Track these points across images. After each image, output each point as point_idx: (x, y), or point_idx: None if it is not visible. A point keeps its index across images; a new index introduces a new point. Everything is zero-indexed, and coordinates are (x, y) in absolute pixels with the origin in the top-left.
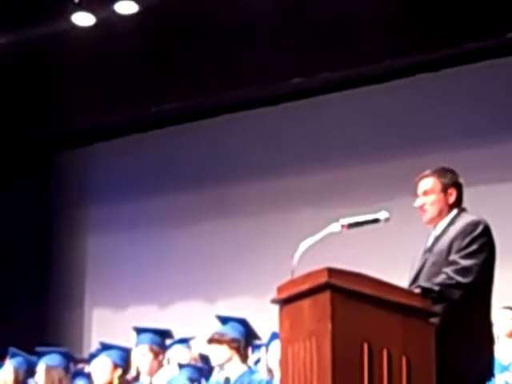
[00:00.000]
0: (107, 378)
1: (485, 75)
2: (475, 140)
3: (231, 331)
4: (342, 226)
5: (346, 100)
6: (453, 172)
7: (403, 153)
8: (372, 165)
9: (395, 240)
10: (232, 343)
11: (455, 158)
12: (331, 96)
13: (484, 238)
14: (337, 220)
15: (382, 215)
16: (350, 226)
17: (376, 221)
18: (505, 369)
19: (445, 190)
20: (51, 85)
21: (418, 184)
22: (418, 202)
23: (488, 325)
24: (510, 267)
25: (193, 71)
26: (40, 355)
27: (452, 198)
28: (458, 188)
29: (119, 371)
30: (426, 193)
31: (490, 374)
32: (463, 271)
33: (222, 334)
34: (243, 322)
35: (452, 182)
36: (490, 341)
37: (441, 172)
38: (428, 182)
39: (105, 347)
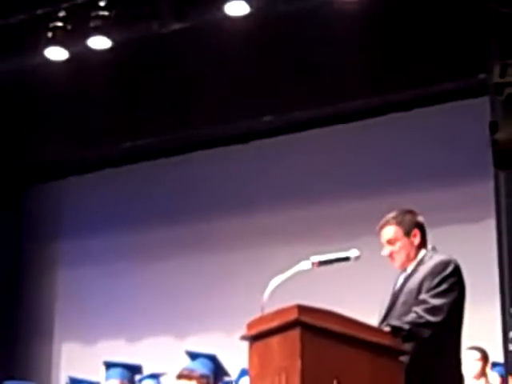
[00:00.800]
0: None
1: (455, 116)
2: (445, 180)
3: (200, 367)
4: (313, 264)
5: (317, 138)
6: (412, 212)
7: (375, 191)
8: (343, 203)
9: (366, 278)
10: (201, 379)
11: (426, 197)
12: (302, 134)
13: (454, 277)
14: (307, 257)
15: (353, 253)
16: (321, 263)
17: (346, 259)
18: None
19: (408, 233)
20: (24, 118)
21: (379, 233)
22: (385, 252)
23: (458, 363)
24: (478, 307)
25: (165, 107)
26: None
27: (417, 240)
28: (421, 228)
29: None
30: (390, 241)
31: None
32: (433, 310)
33: (191, 370)
34: (212, 358)
35: (413, 224)
36: (459, 380)
37: (399, 216)
38: (389, 231)
39: (74, 382)
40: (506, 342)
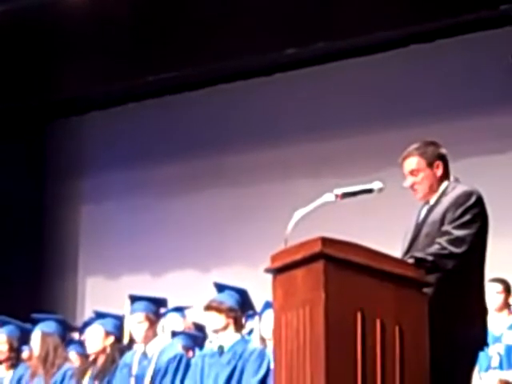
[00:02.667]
0: (100, 346)
1: (478, 47)
2: (468, 111)
3: (229, 300)
4: (336, 196)
5: (340, 70)
6: (435, 144)
7: (399, 124)
8: (366, 135)
9: (389, 210)
10: (230, 312)
11: (450, 129)
12: (326, 66)
13: (477, 208)
14: (331, 190)
15: (376, 185)
16: (344, 195)
17: (370, 191)
18: (497, 340)
19: (430, 164)
20: (45, 54)
21: (402, 164)
22: (408, 182)
23: (481, 295)
24: (501, 238)
25: (188, 41)
26: (35, 322)
27: (439, 171)
28: (443, 159)
29: (111, 339)
30: (412, 172)
31: (483, 343)
32: (456, 241)
33: (220, 302)
34: (242, 292)
35: (436, 155)
36: (483, 311)
37: (422, 148)
38: (412, 162)
39: (98, 315)
40: None
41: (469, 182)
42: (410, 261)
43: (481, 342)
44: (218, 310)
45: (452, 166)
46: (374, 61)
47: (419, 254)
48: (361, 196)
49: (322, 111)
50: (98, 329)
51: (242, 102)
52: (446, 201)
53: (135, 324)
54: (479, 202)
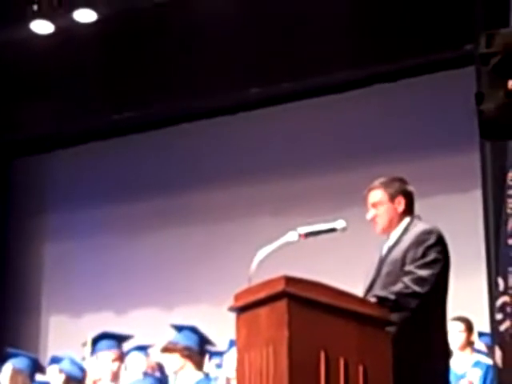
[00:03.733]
0: None
1: (441, 87)
2: (431, 151)
3: (183, 339)
4: (300, 235)
5: (303, 110)
6: (401, 180)
7: (361, 163)
8: (329, 174)
9: (352, 249)
10: (184, 351)
11: (413, 168)
12: (289, 106)
13: (438, 247)
14: (295, 228)
15: (339, 224)
16: (308, 235)
17: (333, 230)
18: (460, 378)
19: (392, 199)
20: (9, 92)
21: (366, 197)
22: (369, 215)
23: (444, 335)
24: (463, 276)
25: (151, 80)
26: (8, 357)
27: (401, 207)
28: (407, 196)
29: (63, 376)
30: (374, 205)
31: (446, 382)
32: (420, 281)
33: (174, 343)
34: (194, 330)
35: (399, 191)
36: (446, 350)
37: (387, 182)
38: (376, 194)
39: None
40: (493, 311)
41: (431, 220)
42: (373, 300)
43: (443, 380)
44: (172, 350)
45: (416, 204)
46: (337, 100)
47: (382, 293)
48: (324, 235)
49: (284, 150)
50: (55, 368)
51: (207, 141)
52: (407, 239)
53: (108, 362)
54: (440, 240)
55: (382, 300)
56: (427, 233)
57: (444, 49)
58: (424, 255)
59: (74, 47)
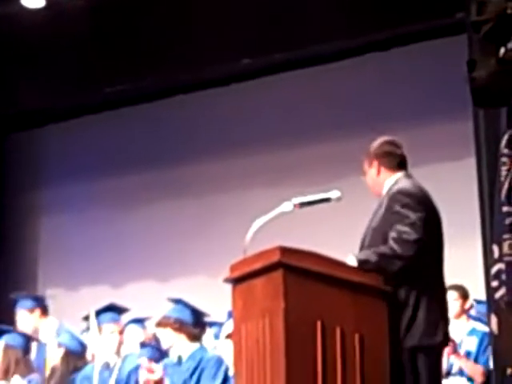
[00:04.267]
0: (53, 358)
1: (433, 54)
2: (425, 119)
3: (175, 313)
4: (294, 206)
5: (296, 80)
6: (379, 144)
7: (355, 132)
8: (324, 144)
9: (347, 219)
10: (174, 324)
11: (406, 136)
12: (282, 76)
13: (412, 207)
14: (289, 199)
15: (334, 194)
16: (302, 205)
17: (327, 200)
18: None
19: (370, 165)
20: (2, 67)
21: None
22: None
23: (443, 302)
24: (459, 245)
25: (144, 53)
26: (1, 333)
27: (374, 170)
28: (380, 157)
29: (61, 351)
30: (364, 174)
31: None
32: (402, 242)
33: (166, 318)
34: (183, 303)
35: (372, 155)
36: (443, 315)
37: (367, 150)
38: (364, 164)
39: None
40: (488, 278)
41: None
42: (351, 261)
43: (442, 344)
44: (164, 325)
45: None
46: (330, 70)
47: (360, 255)
48: (319, 205)
49: (278, 121)
50: (53, 341)
51: (199, 113)
52: (386, 200)
53: (111, 335)
54: (415, 200)
55: (361, 263)
56: (402, 193)
57: (436, 17)
58: (401, 215)
59: (65, 21)
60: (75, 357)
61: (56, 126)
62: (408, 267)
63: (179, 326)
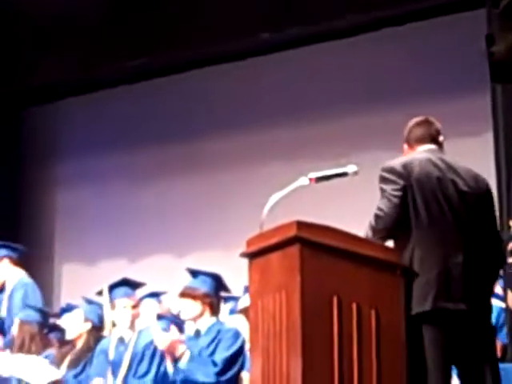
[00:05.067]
0: (77, 332)
1: (450, 29)
2: (443, 94)
3: (203, 285)
4: (310, 180)
5: (314, 55)
6: (407, 128)
7: (373, 107)
8: (341, 119)
9: (364, 194)
10: (205, 298)
11: (423, 112)
12: (299, 51)
13: (384, 184)
14: (306, 174)
15: (351, 169)
16: (318, 179)
17: (344, 174)
18: None
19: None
20: (19, 40)
21: None
22: None
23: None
24: None
25: (161, 27)
26: None
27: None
28: (406, 141)
29: (88, 325)
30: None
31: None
32: (375, 217)
33: (194, 289)
34: (216, 277)
35: (404, 140)
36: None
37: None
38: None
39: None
40: (505, 254)
41: None
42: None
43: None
44: (193, 296)
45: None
46: (346, 45)
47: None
48: (336, 180)
49: (296, 96)
50: (79, 316)
51: (216, 88)
52: None
53: (121, 309)
54: (393, 173)
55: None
56: (383, 169)
57: None
58: (381, 190)
59: None
60: (98, 330)
61: (73, 99)
62: (388, 236)
63: (207, 299)
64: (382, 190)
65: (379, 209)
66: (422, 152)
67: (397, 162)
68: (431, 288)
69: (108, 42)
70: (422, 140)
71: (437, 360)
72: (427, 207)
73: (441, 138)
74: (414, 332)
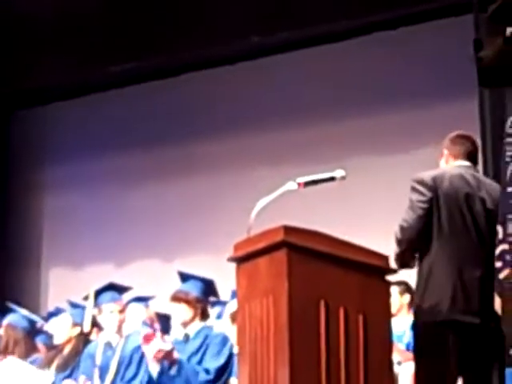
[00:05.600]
0: (66, 337)
1: (438, 34)
2: (430, 99)
3: (194, 290)
4: (298, 185)
5: (303, 59)
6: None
7: (360, 112)
8: (329, 124)
9: (352, 199)
10: (197, 303)
11: (411, 117)
12: (289, 55)
13: (412, 194)
14: (294, 179)
15: (338, 173)
16: (306, 184)
17: (332, 179)
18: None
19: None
20: (10, 43)
21: None
22: None
23: (454, 274)
24: None
25: (149, 31)
26: (7, 311)
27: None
28: (447, 149)
29: (77, 329)
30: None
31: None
32: (400, 228)
33: (186, 293)
34: (207, 282)
35: (444, 146)
36: (454, 290)
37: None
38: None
39: (71, 305)
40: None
41: (429, 167)
42: None
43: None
44: (186, 301)
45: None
46: (337, 49)
47: None
48: (324, 184)
49: (284, 100)
50: (66, 320)
51: (206, 92)
52: None
53: (107, 314)
54: (421, 184)
55: None
56: (413, 179)
57: None
58: (409, 200)
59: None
60: (86, 335)
61: (63, 103)
62: (413, 247)
63: (197, 302)
64: (410, 201)
65: (404, 220)
66: (456, 167)
67: (428, 173)
68: (445, 300)
69: (99, 46)
70: (459, 155)
71: (444, 366)
72: (451, 221)
73: (478, 156)
74: (424, 338)
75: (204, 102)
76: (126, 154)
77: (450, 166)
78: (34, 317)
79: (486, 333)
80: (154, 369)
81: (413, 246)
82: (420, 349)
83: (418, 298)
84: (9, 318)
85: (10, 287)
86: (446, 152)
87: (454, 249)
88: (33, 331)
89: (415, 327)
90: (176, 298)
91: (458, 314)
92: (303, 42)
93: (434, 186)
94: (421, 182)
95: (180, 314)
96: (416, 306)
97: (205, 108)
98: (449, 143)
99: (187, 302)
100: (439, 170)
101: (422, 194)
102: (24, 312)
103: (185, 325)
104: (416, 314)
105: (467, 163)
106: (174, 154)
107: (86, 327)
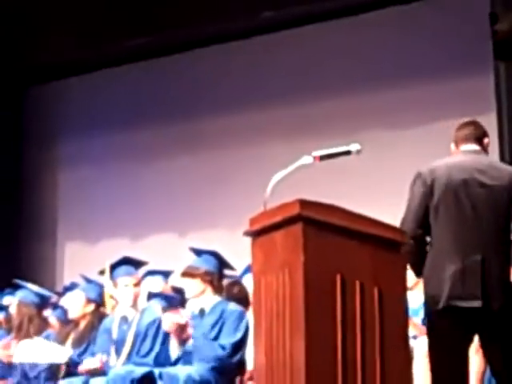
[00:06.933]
0: (80, 312)
1: (454, 8)
2: (446, 73)
3: (204, 264)
4: (314, 158)
5: (315, 34)
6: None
7: (374, 86)
8: (344, 98)
9: (367, 173)
10: (205, 276)
11: (426, 91)
12: (302, 30)
13: (412, 187)
14: (309, 153)
15: (354, 147)
16: (322, 158)
17: (348, 153)
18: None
19: None
20: (23, 19)
21: None
22: None
23: (458, 261)
24: None
25: (163, 5)
26: (15, 289)
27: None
28: (454, 142)
29: (92, 306)
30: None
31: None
32: (401, 219)
33: (195, 268)
34: (215, 255)
35: (452, 140)
36: (454, 278)
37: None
38: None
39: (85, 280)
40: None
41: (446, 144)
42: None
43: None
44: (193, 275)
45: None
46: (351, 23)
47: None
48: (339, 158)
49: (298, 74)
50: (80, 295)
51: (218, 66)
52: None
53: (122, 288)
54: (418, 177)
55: None
56: (415, 174)
57: None
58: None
59: None
60: (100, 309)
61: (75, 79)
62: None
63: (209, 277)
64: (409, 194)
65: (404, 212)
66: (459, 154)
67: (427, 166)
68: (446, 286)
69: (108, 22)
70: (464, 140)
71: (450, 354)
72: (447, 209)
73: (486, 141)
74: (429, 327)
75: (217, 77)
76: (140, 130)
77: (455, 152)
78: (44, 291)
79: (492, 317)
80: (172, 343)
81: (415, 236)
82: (428, 338)
83: (424, 288)
84: (19, 295)
85: (26, 263)
86: (452, 146)
87: (451, 235)
88: (43, 306)
89: (425, 316)
90: (184, 273)
91: (457, 300)
92: (316, 17)
93: (430, 178)
94: (418, 175)
95: (189, 288)
96: (424, 296)
97: (219, 83)
98: (455, 131)
99: (193, 276)
100: (439, 161)
101: (418, 186)
102: (34, 288)
103: (196, 299)
104: (424, 304)
105: (472, 147)
106: (189, 129)
107: (103, 301)
